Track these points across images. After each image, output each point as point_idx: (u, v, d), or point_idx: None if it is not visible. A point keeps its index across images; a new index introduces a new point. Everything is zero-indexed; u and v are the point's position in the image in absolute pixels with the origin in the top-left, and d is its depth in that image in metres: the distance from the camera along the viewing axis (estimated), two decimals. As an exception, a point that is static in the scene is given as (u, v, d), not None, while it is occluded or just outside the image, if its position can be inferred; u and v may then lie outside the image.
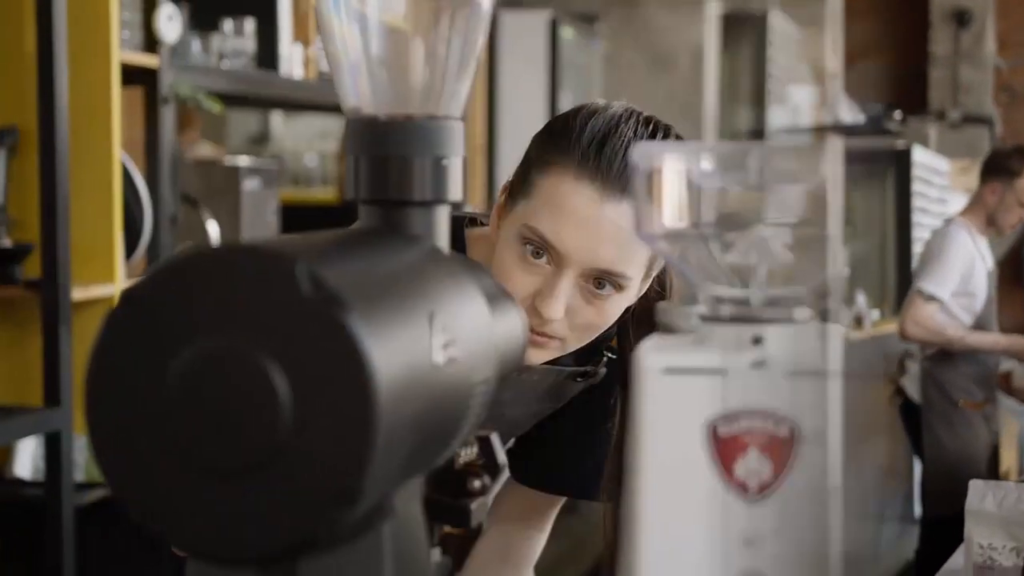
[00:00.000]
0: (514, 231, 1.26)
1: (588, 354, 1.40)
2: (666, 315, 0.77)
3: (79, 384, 2.35)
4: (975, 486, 1.94)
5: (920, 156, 6.98)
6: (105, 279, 2.50)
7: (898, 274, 6.94)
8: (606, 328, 1.31)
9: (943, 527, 4.34)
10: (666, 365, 0.68)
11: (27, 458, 2.63)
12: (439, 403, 0.69)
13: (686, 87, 5.53)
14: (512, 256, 1.26)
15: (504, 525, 1.53)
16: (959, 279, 4.27)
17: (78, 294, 2.42)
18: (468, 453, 0.85)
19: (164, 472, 0.61)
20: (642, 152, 0.70)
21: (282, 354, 0.60)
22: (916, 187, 6.96)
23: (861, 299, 6.27)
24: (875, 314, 6.06)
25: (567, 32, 5.36)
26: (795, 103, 5.27)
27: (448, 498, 0.81)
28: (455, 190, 0.80)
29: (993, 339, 4.46)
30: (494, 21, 4.68)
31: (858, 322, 5.58)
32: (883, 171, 6.96)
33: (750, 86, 7.21)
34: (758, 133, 7.19)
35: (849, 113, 5.64)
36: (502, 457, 0.84)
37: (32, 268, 2.41)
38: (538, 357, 1.30)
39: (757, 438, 0.67)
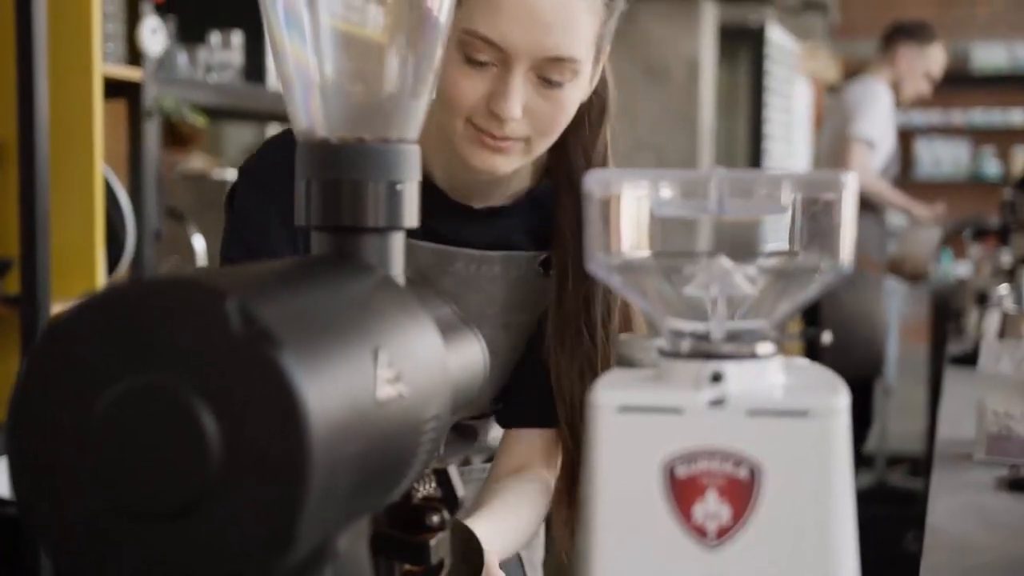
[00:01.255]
0: (452, 44, 1.22)
1: (545, 241, 1.38)
2: (626, 348, 0.74)
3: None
4: (988, 347, 1.82)
5: (774, 35, 6.98)
6: (87, 294, 2.47)
7: (750, 156, 6.95)
8: (567, 121, 1.27)
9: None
10: (621, 403, 0.65)
11: (5, 476, 2.60)
12: (384, 441, 0.66)
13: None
14: (454, 68, 1.22)
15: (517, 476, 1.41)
16: (883, 127, 4.38)
17: (58, 310, 2.39)
18: (426, 488, 0.82)
19: (86, 513, 0.59)
20: (597, 179, 0.67)
21: (211, 393, 0.57)
22: (767, 66, 6.98)
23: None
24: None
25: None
26: None
27: (406, 534, 0.78)
28: (410, 216, 0.77)
29: (906, 201, 4.65)
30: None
31: None
32: (737, 47, 6.98)
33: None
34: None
35: None
36: (461, 490, 0.81)
37: (12, 283, 2.38)
38: (506, 164, 1.27)
39: (716, 480, 0.64)
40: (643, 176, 0.68)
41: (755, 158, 7.21)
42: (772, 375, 0.67)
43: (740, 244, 0.69)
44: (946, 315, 4.82)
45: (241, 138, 5.42)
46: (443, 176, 1.36)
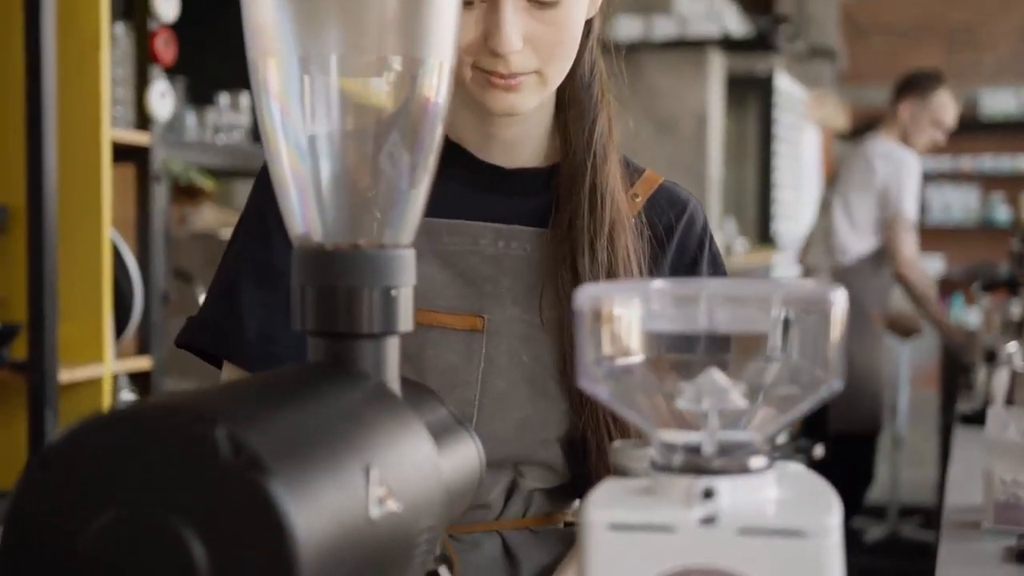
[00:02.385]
0: None
1: None
2: (619, 456, 0.74)
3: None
4: (995, 414, 1.79)
5: (782, 83, 7.00)
6: (94, 359, 2.47)
7: (759, 204, 6.93)
8: (576, 43, 1.20)
9: (846, 444, 4.32)
10: (613, 520, 0.65)
11: None
12: (377, 558, 0.66)
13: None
14: (467, 22, 1.15)
15: None
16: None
17: (66, 376, 2.39)
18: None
19: (76, 643, 0.58)
20: (587, 295, 0.67)
21: (200, 521, 0.57)
22: (776, 115, 6.99)
23: (731, 226, 6.24)
24: (742, 243, 6.06)
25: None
26: (681, 13, 5.22)
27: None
28: (406, 320, 0.77)
29: (939, 312, 4.73)
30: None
31: (727, 251, 5.61)
32: (745, 96, 6.99)
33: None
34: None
35: (737, 24, 5.60)
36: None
37: (19, 349, 2.38)
38: (523, 101, 1.19)
39: (708, 599, 0.64)
40: (633, 291, 0.68)
41: (764, 207, 7.23)
42: (765, 490, 0.67)
43: (731, 357, 0.69)
44: (956, 366, 4.81)
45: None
46: (472, 136, 1.28)
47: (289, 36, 0.76)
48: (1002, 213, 10.13)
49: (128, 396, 2.84)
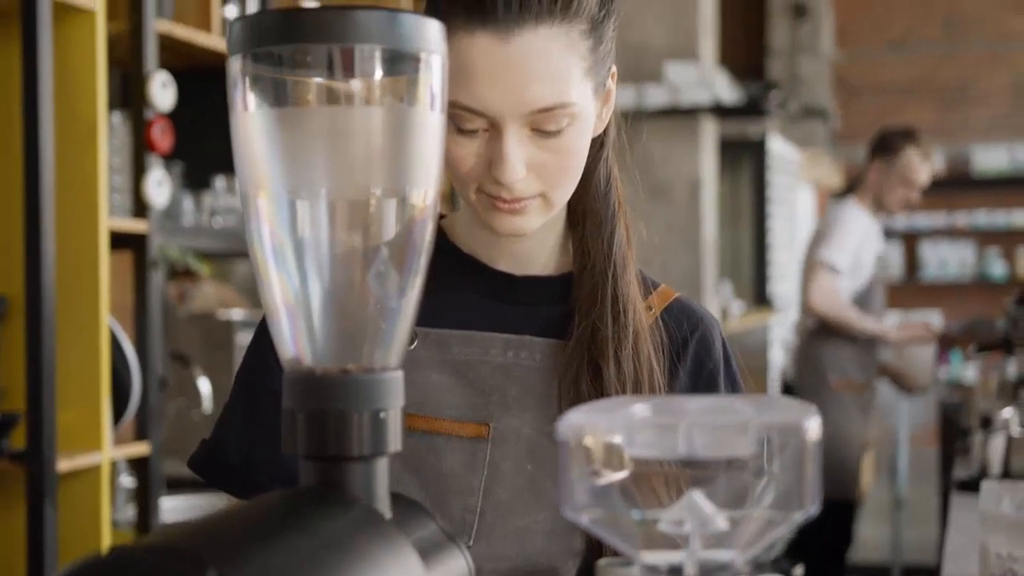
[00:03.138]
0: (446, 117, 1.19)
1: None
2: (605, 575, 0.76)
3: (64, 559, 2.32)
4: (988, 488, 1.78)
5: (775, 146, 7.04)
6: (93, 447, 2.48)
7: (755, 266, 6.94)
8: (580, 165, 1.19)
9: (825, 508, 4.29)
10: (597, 646, 0.67)
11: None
12: None
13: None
14: (451, 140, 1.15)
15: None
16: (853, 253, 4.37)
17: (64, 464, 2.40)
18: None
19: None
20: (569, 425, 0.70)
21: (194, 662, 0.59)
22: (769, 177, 7.02)
23: (727, 289, 6.24)
24: (739, 306, 6.06)
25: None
26: (673, 82, 5.25)
27: None
28: (395, 441, 0.79)
29: (886, 328, 4.56)
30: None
31: (724, 314, 5.61)
32: (738, 159, 7.03)
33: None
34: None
35: (727, 92, 5.64)
36: None
37: (18, 438, 2.40)
38: (527, 224, 1.19)
39: None
40: (615, 419, 0.70)
41: (759, 268, 7.26)
42: (745, 612, 0.69)
43: (712, 480, 0.71)
44: (954, 426, 4.81)
45: (249, 269, 5.47)
46: (483, 248, 1.29)
47: (279, 171, 0.78)
48: (998, 268, 10.17)
49: (127, 481, 2.85)
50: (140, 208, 2.67)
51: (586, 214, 1.29)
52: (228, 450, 1.27)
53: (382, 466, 0.79)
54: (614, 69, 1.24)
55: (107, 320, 2.51)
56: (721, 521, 0.70)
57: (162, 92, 2.67)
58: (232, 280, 4.67)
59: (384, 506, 0.78)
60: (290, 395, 0.78)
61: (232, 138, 0.80)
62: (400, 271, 0.81)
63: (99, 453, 2.49)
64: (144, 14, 2.66)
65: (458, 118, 1.15)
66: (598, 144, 1.27)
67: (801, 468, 0.69)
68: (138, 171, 2.67)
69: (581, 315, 1.25)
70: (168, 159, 2.83)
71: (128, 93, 2.77)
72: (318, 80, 0.94)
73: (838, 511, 4.45)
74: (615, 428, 0.70)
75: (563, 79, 1.14)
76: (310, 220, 0.78)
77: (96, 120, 2.50)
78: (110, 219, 2.56)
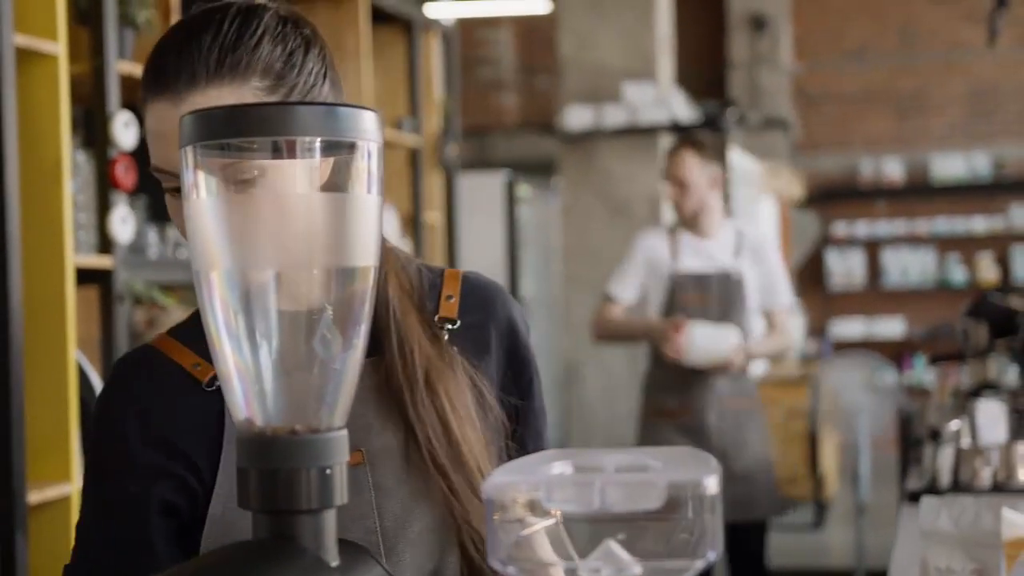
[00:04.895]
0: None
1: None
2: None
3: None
4: (928, 503, 1.83)
5: (735, 158, 7.16)
6: (62, 479, 2.54)
7: None
8: None
9: (736, 532, 4.27)
10: None
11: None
12: None
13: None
14: (168, 205, 1.23)
15: None
16: (639, 280, 4.22)
17: (34, 496, 2.45)
18: None
19: None
20: (492, 484, 0.77)
21: None
22: (730, 190, 7.13)
23: None
24: None
25: (523, 189, 5.50)
26: (631, 102, 5.29)
27: None
28: (341, 494, 0.86)
29: (644, 324, 4.28)
30: (452, 182, 4.82)
31: None
32: None
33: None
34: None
35: (684, 110, 5.68)
36: None
37: (-13, 472, 2.45)
38: None
39: None
40: (535, 478, 0.77)
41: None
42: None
43: (626, 530, 0.78)
44: (910, 434, 4.87)
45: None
46: None
47: (229, 250, 0.86)
48: (958, 274, 10.32)
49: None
50: (105, 244, 2.73)
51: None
52: None
53: (330, 517, 0.86)
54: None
55: (74, 354, 2.57)
56: (634, 567, 0.77)
57: (124, 131, 2.74)
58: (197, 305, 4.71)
59: (332, 555, 0.86)
60: (243, 454, 0.85)
61: (185, 221, 0.87)
62: (343, 336, 0.88)
63: (69, 484, 2.54)
64: (106, 56, 2.72)
65: (163, 180, 1.23)
66: None
67: (702, 519, 0.76)
68: (102, 208, 2.73)
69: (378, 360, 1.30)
70: (132, 196, 2.89)
71: (92, 131, 2.83)
72: (263, 168, 1.02)
73: (754, 533, 4.39)
74: (534, 487, 0.77)
75: None
76: (259, 293, 0.86)
77: (60, 159, 2.56)
78: (76, 256, 2.62)
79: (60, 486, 2.53)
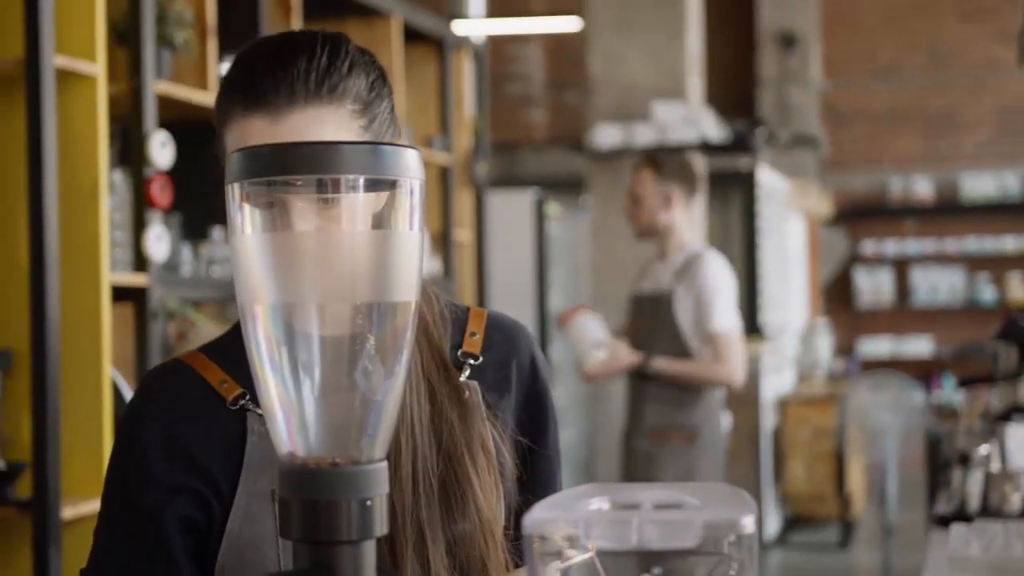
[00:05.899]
0: None
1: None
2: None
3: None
4: (957, 531, 1.84)
5: (764, 177, 7.14)
6: (96, 495, 2.55)
7: (746, 296, 7.00)
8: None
9: None
10: None
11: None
12: None
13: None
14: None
15: None
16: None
17: (69, 512, 2.48)
18: None
19: None
20: (532, 520, 0.78)
21: None
22: (759, 207, 7.10)
23: None
24: None
25: (552, 208, 5.51)
26: (660, 120, 5.26)
27: None
28: (380, 525, 0.87)
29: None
30: (481, 200, 4.83)
31: None
32: (728, 191, 7.10)
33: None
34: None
35: (714, 129, 5.64)
36: None
37: (23, 487, 2.48)
38: None
39: None
40: (573, 515, 0.79)
41: (751, 298, 7.35)
42: None
43: (664, 566, 0.79)
44: (938, 454, 4.85)
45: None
46: None
47: (274, 285, 0.87)
48: (988, 293, 10.27)
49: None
50: (140, 262, 2.76)
51: None
52: None
53: (369, 548, 0.88)
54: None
55: (109, 371, 2.59)
56: (670, 604, 0.79)
57: (161, 151, 2.77)
58: (230, 319, 4.75)
59: (372, 586, 0.87)
60: (285, 485, 0.87)
61: (231, 257, 0.88)
62: (384, 367, 0.89)
63: (102, 501, 2.56)
64: (143, 77, 2.76)
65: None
66: None
67: (740, 557, 0.77)
68: (138, 226, 2.77)
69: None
70: (167, 214, 2.92)
71: (128, 151, 2.86)
72: (308, 206, 1.04)
73: None
74: (573, 523, 0.78)
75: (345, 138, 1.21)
76: (302, 327, 0.87)
77: (98, 179, 2.59)
78: (112, 274, 2.65)
79: (94, 502, 2.56)
